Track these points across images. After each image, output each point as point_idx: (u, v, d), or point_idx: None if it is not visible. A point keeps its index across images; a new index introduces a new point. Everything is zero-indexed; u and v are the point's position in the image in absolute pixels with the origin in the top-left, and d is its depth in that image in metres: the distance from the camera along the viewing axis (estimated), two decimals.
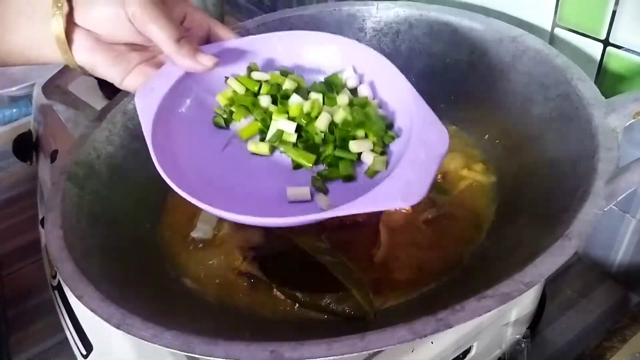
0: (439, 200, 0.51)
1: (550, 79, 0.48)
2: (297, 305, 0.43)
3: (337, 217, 0.50)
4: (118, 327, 0.34)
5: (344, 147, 0.44)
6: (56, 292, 0.57)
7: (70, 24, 0.44)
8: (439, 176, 0.54)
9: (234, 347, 0.31)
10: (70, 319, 0.52)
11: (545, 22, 0.55)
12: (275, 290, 0.44)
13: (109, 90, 0.73)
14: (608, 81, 0.52)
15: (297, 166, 0.45)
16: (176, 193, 0.39)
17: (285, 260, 0.45)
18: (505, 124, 0.53)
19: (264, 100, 0.47)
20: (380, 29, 0.64)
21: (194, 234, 0.51)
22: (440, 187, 0.52)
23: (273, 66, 0.51)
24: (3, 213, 0.85)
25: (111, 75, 0.46)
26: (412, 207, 0.49)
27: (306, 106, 0.45)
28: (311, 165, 0.44)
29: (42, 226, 0.65)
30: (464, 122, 0.59)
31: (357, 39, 0.65)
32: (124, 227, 0.50)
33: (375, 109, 0.46)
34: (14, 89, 1.06)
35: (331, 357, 0.29)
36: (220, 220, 0.52)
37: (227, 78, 0.49)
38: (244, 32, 0.64)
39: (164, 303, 0.42)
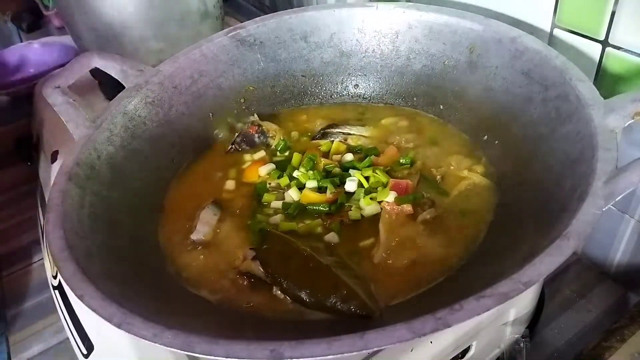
0: (438, 201, 0.51)
1: (549, 79, 0.48)
2: (302, 306, 0.43)
3: (338, 217, 0.50)
4: (119, 327, 0.34)
5: None
6: (57, 292, 0.57)
7: None
8: (439, 177, 0.54)
9: (234, 346, 0.31)
10: (71, 319, 0.53)
11: (544, 22, 0.55)
12: (276, 290, 0.44)
13: (109, 90, 0.73)
14: (607, 82, 0.52)
15: None
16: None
17: (286, 261, 0.45)
18: (504, 125, 0.53)
19: None
20: (380, 29, 0.64)
21: (194, 237, 0.51)
22: (439, 188, 0.53)
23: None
24: (3, 213, 0.85)
25: None
26: (412, 207, 0.49)
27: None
28: None
29: (43, 226, 0.65)
30: (463, 123, 0.59)
31: (357, 40, 0.65)
32: (125, 227, 0.50)
33: None
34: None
35: (331, 356, 0.30)
36: (220, 221, 0.52)
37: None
38: (243, 32, 0.65)
39: (165, 302, 0.42)
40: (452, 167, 0.55)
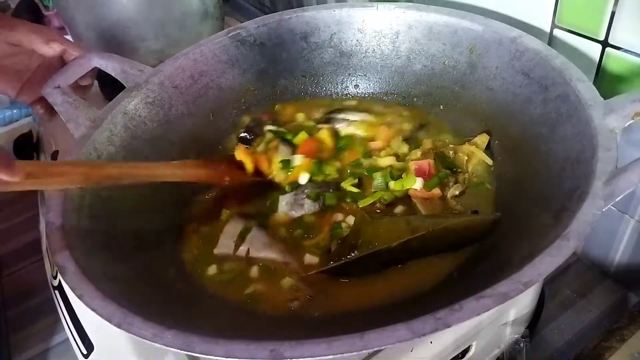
0: (458, 177, 0.53)
1: (549, 79, 0.48)
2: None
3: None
4: (119, 327, 0.34)
5: None
6: (57, 292, 0.57)
7: None
8: (451, 153, 0.55)
9: (234, 346, 0.31)
10: (71, 319, 0.53)
11: (544, 23, 0.55)
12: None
13: (109, 90, 0.73)
14: (607, 82, 0.52)
15: None
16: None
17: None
18: (505, 125, 0.53)
19: None
20: (380, 29, 0.64)
21: (217, 251, 0.50)
22: (455, 164, 0.54)
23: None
24: (3, 213, 0.85)
25: None
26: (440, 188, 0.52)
27: None
28: None
29: (43, 226, 0.65)
30: (464, 123, 0.59)
31: (357, 40, 0.65)
32: (124, 227, 0.50)
33: None
34: None
35: (331, 356, 0.30)
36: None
37: None
38: (244, 33, 0.65)
39: (165, 302, 0.42)
40: (459, 146, 0.56)
